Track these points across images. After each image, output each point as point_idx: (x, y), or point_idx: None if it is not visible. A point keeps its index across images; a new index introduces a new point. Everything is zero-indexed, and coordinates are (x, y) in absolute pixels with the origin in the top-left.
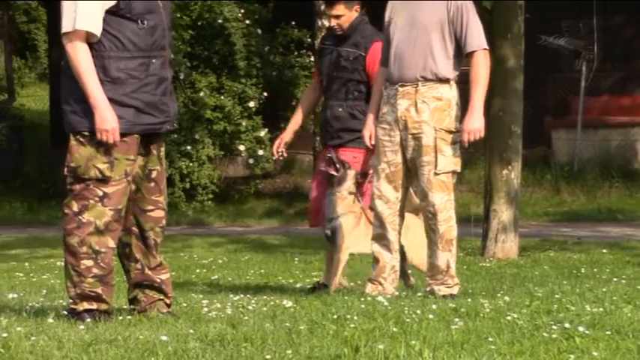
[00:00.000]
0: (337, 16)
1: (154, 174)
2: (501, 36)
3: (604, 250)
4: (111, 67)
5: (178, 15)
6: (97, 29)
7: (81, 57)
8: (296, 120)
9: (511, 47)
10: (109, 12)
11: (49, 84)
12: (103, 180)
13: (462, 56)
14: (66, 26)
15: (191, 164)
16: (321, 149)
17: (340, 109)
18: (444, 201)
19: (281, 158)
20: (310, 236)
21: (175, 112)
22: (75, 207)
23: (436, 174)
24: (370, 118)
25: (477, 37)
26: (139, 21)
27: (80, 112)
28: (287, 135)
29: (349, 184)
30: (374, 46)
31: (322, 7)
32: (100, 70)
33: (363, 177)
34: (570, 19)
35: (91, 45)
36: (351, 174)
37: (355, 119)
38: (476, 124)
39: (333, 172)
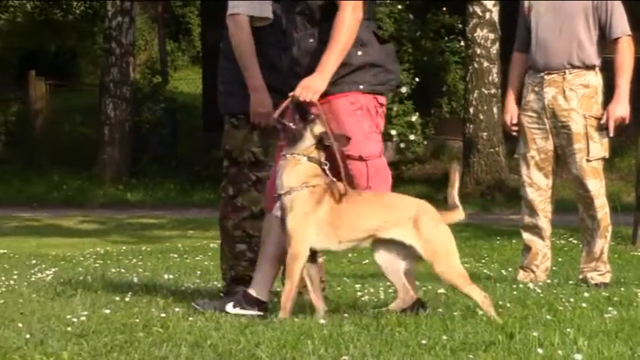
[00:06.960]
0: None
1: None
2: None
3: None
4: (271, 53)
5: None
6: (269, 14)
7: (245, 40)
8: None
9: None
10: None
11: (201, 67)
12: (257, 164)
13: (605, 42)
14: (233, 7)
15: None
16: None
17: (312, 40)
18: (597, 187)
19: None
20: (459, 222)
21: None
22: (230, 190)
23: (588, 161)
24: (511, 102)
25: (621, 24)
26: None
27: (236, 95)
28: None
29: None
30: None
31: None
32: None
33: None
34: None
35: (252, 30)
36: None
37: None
38: (622, 111)
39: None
